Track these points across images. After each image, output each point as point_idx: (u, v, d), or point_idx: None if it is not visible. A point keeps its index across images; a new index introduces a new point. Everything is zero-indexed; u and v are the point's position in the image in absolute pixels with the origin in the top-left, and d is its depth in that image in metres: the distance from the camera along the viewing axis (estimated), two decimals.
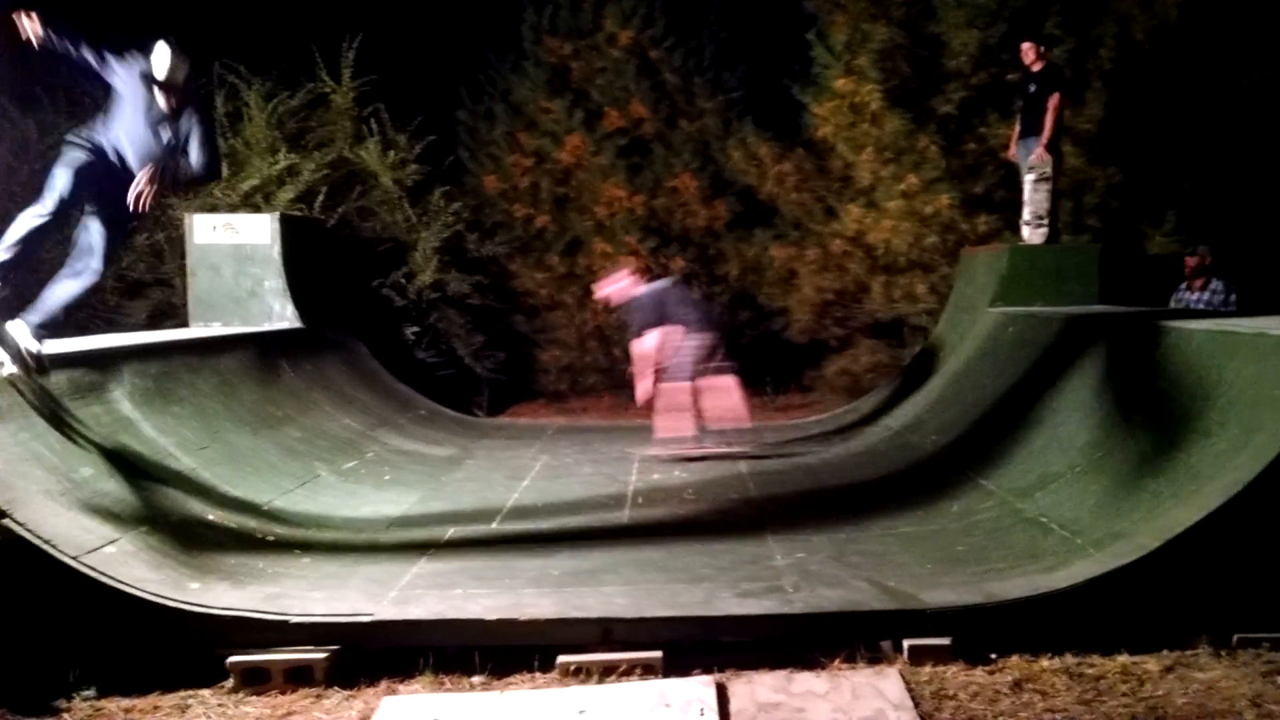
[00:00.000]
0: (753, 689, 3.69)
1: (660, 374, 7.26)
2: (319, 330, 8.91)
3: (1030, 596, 3.99)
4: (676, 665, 3.84)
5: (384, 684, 3.85)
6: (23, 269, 4.83)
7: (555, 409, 11.53)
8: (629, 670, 3.82)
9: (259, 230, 8.82)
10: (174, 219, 9.71)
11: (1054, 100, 8.45)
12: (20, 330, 4.78)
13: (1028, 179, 8.67)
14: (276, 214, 9.10)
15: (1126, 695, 3.61)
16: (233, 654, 3.85)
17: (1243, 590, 4.00)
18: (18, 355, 4.70)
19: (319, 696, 3.78)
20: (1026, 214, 8.71)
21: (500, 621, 3.96)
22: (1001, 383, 7.16)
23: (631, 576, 4.55)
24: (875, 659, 3.90)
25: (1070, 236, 9.68)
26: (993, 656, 3.88)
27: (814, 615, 4.03)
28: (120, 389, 5.53)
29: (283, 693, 3.79)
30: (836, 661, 3.86)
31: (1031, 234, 8.68)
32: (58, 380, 5.00)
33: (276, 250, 8.79)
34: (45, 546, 3.92)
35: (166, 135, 5.09)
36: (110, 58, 5.01)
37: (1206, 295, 8.82)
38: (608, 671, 3.82)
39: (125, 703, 3.73)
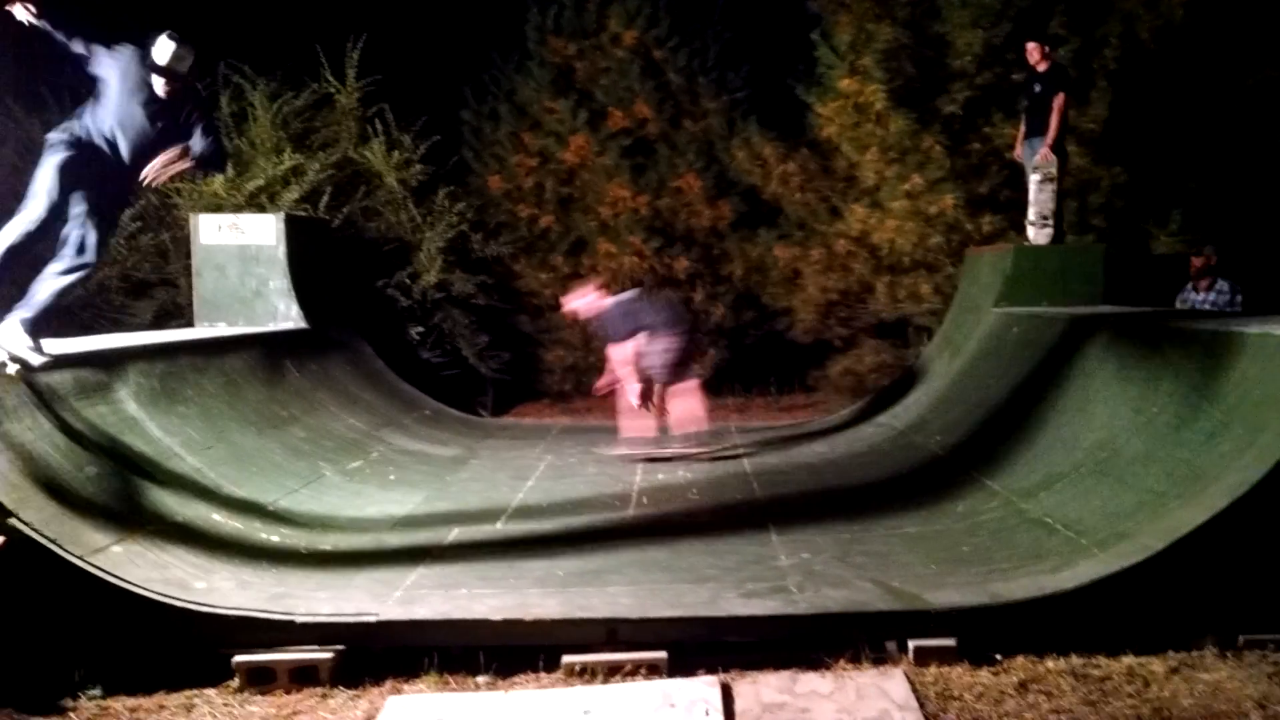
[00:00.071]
0: (757, 689, 3.69)
1: (634, 378, 7.45)
2: (324, 330, 8.93)
3: (1035, 597, 3.99)
4: (681, 665, 3.84)
5: (389, 684, 3.86)
6: (19, 270, 4.86)
7: (560, 409, 11.53)
8: (634, 670, 3.83)
9: (264, 230, 8.84)
10: (179, 219, 9.73)
11: (1059, 100, 8.44)
12: (12, 328, 4.81)
13: (1033, 179, 8.66)
14: (281, 214, 9.11)
15: (1132, 696, 3.60)
16: (238, 653, 3.87)
17: (1248, 591, 4.00)
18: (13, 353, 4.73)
19: (324, 696, 3.79)
20: (1031, 214, 8.70)
21: (505, 621, 3.97)
22: (1006, 383, 7.15)
23: (636, 577, 4.55)
24: (880, 659, 3.90)
25: (1075, 237, 9.67)
26: (998, 657, 3.88)
27: (819, 616, 4.03)
28: (126, 389, 5.53)
29: (288, 692, 3.80)
30: (841, 662, 3.87)
31: (1036, 234, 8.67)
32: (63, 380, 5.01)
33: (282, 250, 8.80)
34: (52, 546, 3.93)
35: (163, 122, 5.12)
36: (99, 47, 5.01)
37: (1212, 296, 8.80)
38: (613, 672, 3.82)
39: (131, 702, 3.74)
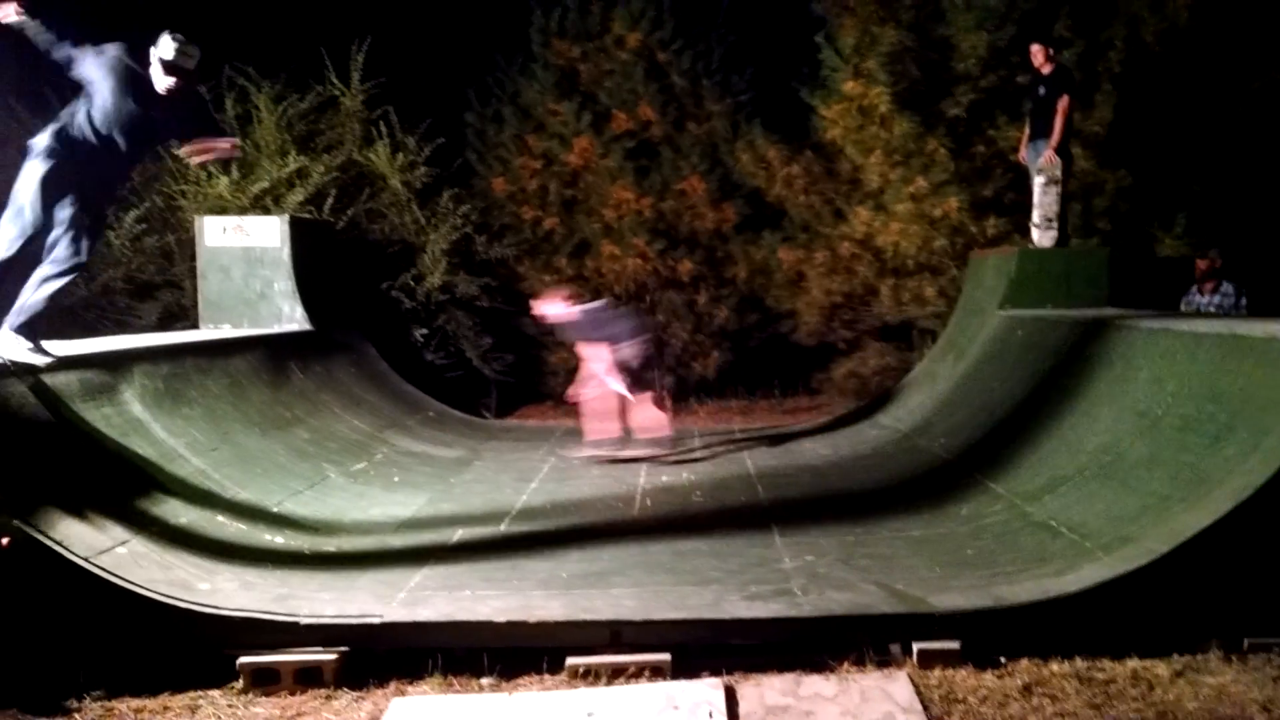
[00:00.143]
0: (761, 691, 3.69)
1: (601, 381, 7.62)
2: (328, 332, 8.94)
3: (1039, 600, 3.98)
4: (685, 668, 3.85)
5: (393, 685, 3.87)
6: (11, 282, 4.90)
7: (563, 411, 11.48)
8: (637, 672, 3.83)
9: (269, 233, 8.86)
10: (184, 221, 9.75)
11: (1063, 103, 8.44)
12: (8, 336, 4.85)
13: (1037, 181, 8.66)
14: (286, 216, 9.13)
15: (1137, 700, 3.60)
16: (242, 655, 3.87)
17: (1253, 595, 3.99)
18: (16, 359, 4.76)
19: (328, 697, 3.79)
20: (1036, 217, 8.69)
21: (509, 623, 3.97)
22: (1010, 386, 7.15)
23: (640, 579, 4.55)
24: (884, 662, 3.90)
25: (1080, 239, 9.66)
26: (1002, 660, 3.88)
27: (822, 618, 4.03)
28: (131, 390, 5.55)
29: (292, 693, 3.81)
30: (845, 664, 3.87)
31: (1041, 237, 8.66)
32: (69, 381, 5.02)
33: (286, 253, 8.82)
34: (56, 547, 3.94)
35: (160, 116, 5.15)
36: (85, 49, 5.02)
37: (1217, 298, 8.79)
38: (616, 673, 3.83)
39: (135, 703, 3.74)
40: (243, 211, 9.68)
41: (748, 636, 4.00)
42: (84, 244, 5.10)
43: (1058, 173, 8.53)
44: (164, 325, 9.45)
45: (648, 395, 7.65)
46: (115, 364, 5.59)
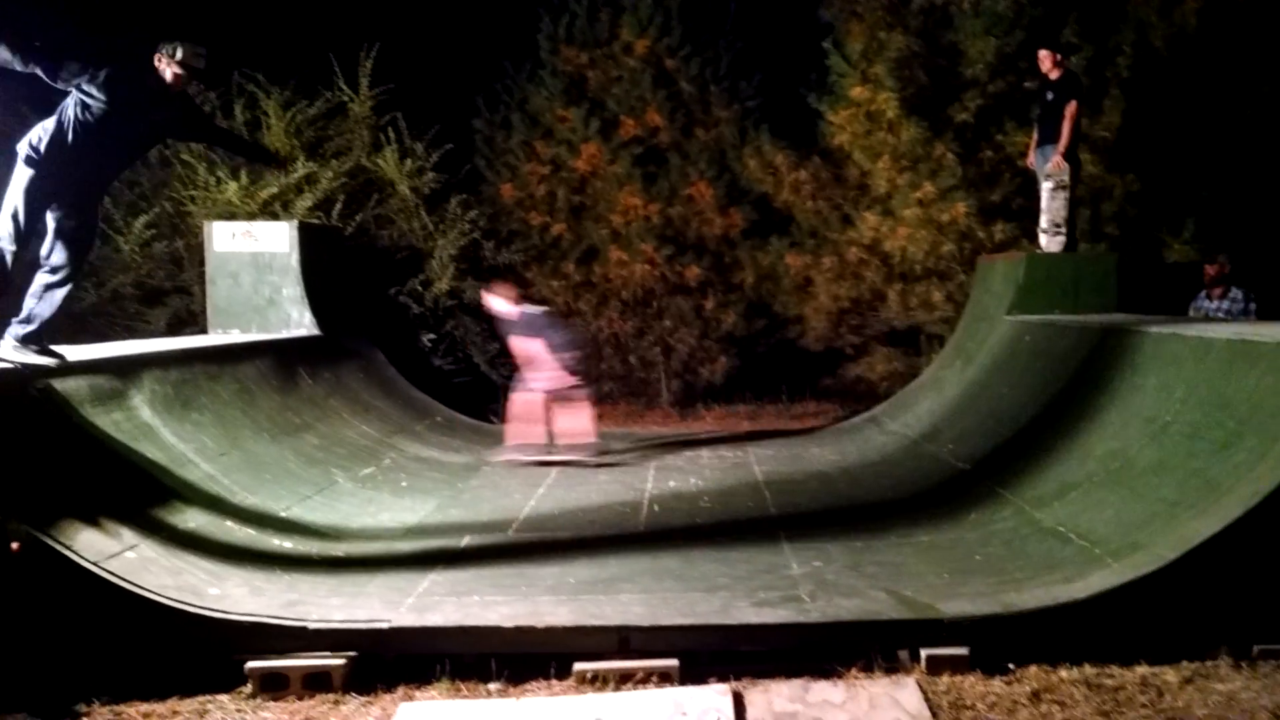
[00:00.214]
0: (769, 698, 3.68)
1: (526, 384, 7.82)
2: (337, 338, 8.96)
3: (1048, 607, 3.97)
4: (693, 674, 3.84)
5: (401, 690, 3.87)
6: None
7: None
8: (645, 678, 3.82)
9: (277, 238, 8.88)
10: (193, 227, 9.79)
11: (1071, 108, 8.43)
12: (12, 345, 4.88)
13: (1045, 187, 8.64)
14: (295, 222, 9.16)
15: (1146, 706, 3.59)
16: (251, 660, 3.88)
17: (1262, 601, 3.98)
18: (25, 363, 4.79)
19: (337, 702, 3.80)
20: (1044, 222, 8.68)
21: (517, 629, 3.98)
22: (1018, 392, 7.13)
23: (648, 585, 4.55)
24: (892, 669, 3.89)
25: (1088, 245, 9.65)
26: (1011, 667, 3.86)
27: (831, 624, 4.03)
28: (140, 396, 5.56)
29: (300, 699, 3.82)
30: (853, 671, 3.86)
31: (1049, 242, 8.65)
32: (79, 386, 5.04)
33: (295, 258, 8.84)
34: (66, 551, 3.96)
35: (158, 113, 5.19)
36: (67, 62, 5.05)
37: (1226, 304, 8.76)
38: (624, 679, 3.82)
39: (144, 707, 3.75)
40: (251, 217, 9.71)
41: (756, 643, 3.99)
42: (79, 250, 5.13)
43: (1066, 178, 8.52)
44: (173, 331, 9.49)
45: (579, 404, 7.78)
46: (125, 369, 5.61)
